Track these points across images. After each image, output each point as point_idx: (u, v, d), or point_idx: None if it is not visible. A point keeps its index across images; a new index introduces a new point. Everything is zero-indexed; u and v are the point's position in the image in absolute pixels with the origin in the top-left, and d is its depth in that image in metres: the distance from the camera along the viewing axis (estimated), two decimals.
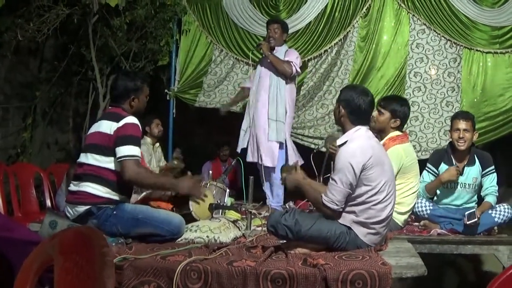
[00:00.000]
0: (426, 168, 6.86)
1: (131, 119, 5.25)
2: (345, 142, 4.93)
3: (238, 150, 8.14)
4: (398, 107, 6.42)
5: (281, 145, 7.85)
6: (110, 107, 5.62)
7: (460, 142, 6.50)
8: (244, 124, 8.14)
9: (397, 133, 6.43)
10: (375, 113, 6.32)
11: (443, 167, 6.70)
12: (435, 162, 6.80)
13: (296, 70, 7.90)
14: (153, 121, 8.40)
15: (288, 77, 7.88)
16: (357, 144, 4.81)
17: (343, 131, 5.07)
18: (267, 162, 7.75)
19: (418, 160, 7.83)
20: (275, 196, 7.89)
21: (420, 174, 6.67)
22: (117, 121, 5.21)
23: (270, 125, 7.79)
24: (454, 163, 6.62)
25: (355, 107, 4.94)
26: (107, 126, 5.25)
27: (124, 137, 5.15)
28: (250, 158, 7.98)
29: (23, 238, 3.46)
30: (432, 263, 4.93)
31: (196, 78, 9.96)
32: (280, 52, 8.00)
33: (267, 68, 7.95)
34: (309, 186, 5.08)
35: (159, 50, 9.66)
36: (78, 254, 2.47)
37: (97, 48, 9.30)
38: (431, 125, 8.77)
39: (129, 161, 5.10)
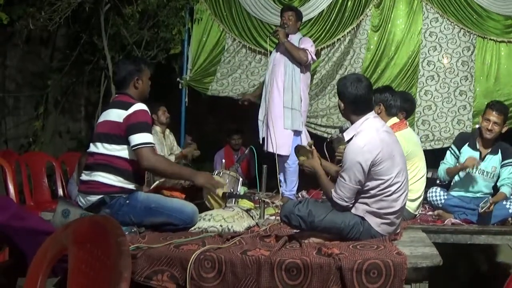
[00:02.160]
0: (449, 149, 6.87)
1: (140, 106, 5.22)
2: (353, 137, 4.86)
3: (260, 140, 7.94)
4: (377, 94, 6.39)
5: (296, 133, 7.71)
6: (116, 95, 5.56)
7: (487, 133, 6.51)
8: (261, 114, 7.97)
9: (394, 120, 6.43)
10: None
11: (465, 149, 6.69)
12: (459, 143, 6.82)
13: (312, 57, 7.74)
14: (159, 108, 8.34)
15: (303, 65, 7.77)
16: (365, 140, 4.70)
17: (351, 123, 4.99)
18: (281, 150, 7.62)
19: (431, 150, 7.82)
20: (289, 184, 7.81)
21: (427, 160, 6.61)
22: (126, 108, 5.17)
23: (285, 114, 7.62)
24: (477, 148, 6.62)
25: (352, 97, 4.84)
26: (116, 114, 5.21)
27: (135, 124, 5.12)
28: (267, 147, 7.76)
29: (36, 228, 3.45)
30: (446, 253, 4.90)
31: (209, 67, 9.91)
32: (294, 40, 7.82)
33: (282, 55, 7.76)
34: (324, 177, 5.07)
35: (171, 38, 9.62)
36: (92, 243, 2.46)
37: (109, 37, 9.28)
38: (444, 114, 8.74)
39: (144, 149, 5.07)
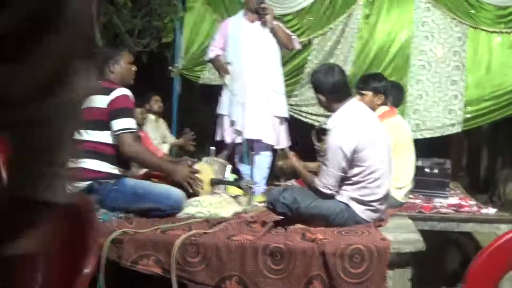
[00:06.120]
0: None
1: (122, 91, 5.24)
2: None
3: (238, 126, 7.36)
4: (376, 83, 6.36)
5: (282, 120, 7.43)
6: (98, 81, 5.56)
7: None
8: (241, 96, 7.31)
9: (384, 108, 6.39)
10: (357, 97, 6.20)
11: None
12: None
13: (296, 45, 7.59)
14: (151, 98, 8.40)
15: (288, 50, 7.67)
16: (346, 126, 4.75)
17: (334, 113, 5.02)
18: (267, 139, 7.23)
19: (421, 139, 7.84)
20: (263, 172, 7.32)
21: (416, 149, 6.55)
22: (108, 94, 5.18)
23: (273, 99, 7.29)
24: None
25: (329, 88, 4.87)
26: (98, 100, 5.19)
27: (117, 110, 5.15)
28: (252, 134, 7.23)
29: None
30: (434, 240, 4.94)
31: (201, 56, 9.86)
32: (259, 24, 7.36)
33: (260, 35, 7.29)
34: (303, 170, 5.20)
35: (163, 27, 9.63)
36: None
37: (102, 26, 9.26)
38: (435, 103, 8.78)
39: (125, 135, 5.12)
